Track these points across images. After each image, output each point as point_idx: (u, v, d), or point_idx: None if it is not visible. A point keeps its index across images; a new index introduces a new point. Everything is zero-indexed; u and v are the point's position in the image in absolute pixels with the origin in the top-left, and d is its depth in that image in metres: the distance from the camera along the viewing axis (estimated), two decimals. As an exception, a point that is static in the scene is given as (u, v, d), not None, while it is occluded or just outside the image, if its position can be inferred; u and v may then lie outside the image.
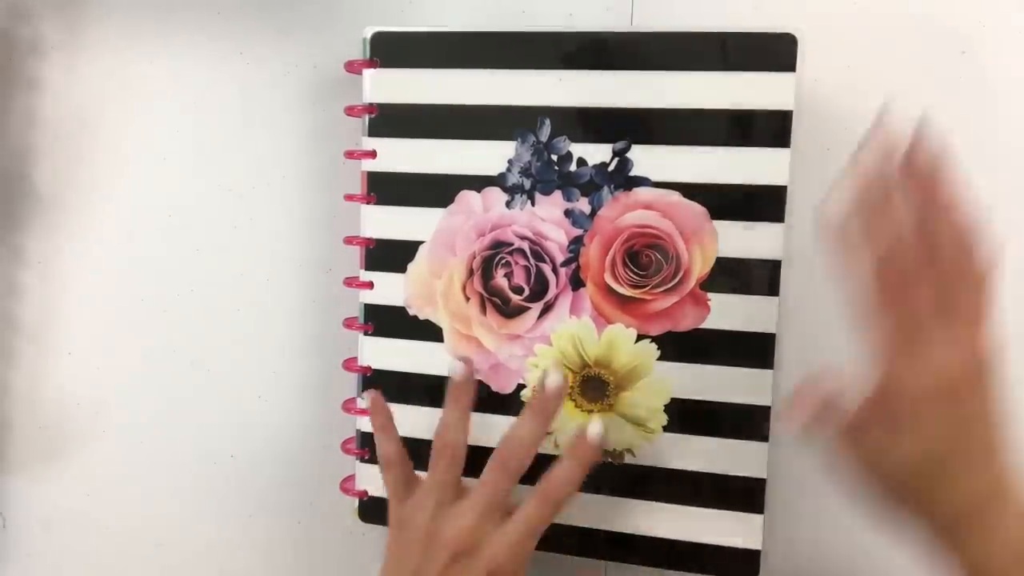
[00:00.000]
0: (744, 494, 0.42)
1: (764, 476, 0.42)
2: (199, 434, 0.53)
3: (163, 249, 0.52)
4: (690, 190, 0.42)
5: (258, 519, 0.53)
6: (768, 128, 0.41)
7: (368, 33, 0.45)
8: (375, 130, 0.45)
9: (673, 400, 0.43)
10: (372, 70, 0.45)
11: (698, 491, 0.43)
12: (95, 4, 0.51)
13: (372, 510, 0.48)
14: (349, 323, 0.47)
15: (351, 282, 0.47)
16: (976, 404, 0.30)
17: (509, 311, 0.45)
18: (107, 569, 0.54)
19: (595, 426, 0.39)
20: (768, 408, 0.42)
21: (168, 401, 0.53)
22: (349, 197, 0.46)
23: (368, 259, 0.46)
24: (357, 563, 0.52)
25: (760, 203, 0.41)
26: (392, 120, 0.45)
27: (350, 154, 0.46)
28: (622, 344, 0.43)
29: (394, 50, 0.45)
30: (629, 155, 0.42)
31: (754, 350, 0.42)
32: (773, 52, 0.41)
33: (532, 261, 0.44)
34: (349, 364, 0.47)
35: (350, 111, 0.46)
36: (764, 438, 0.42)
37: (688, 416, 0.43)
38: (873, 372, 0.31)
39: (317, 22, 0.50)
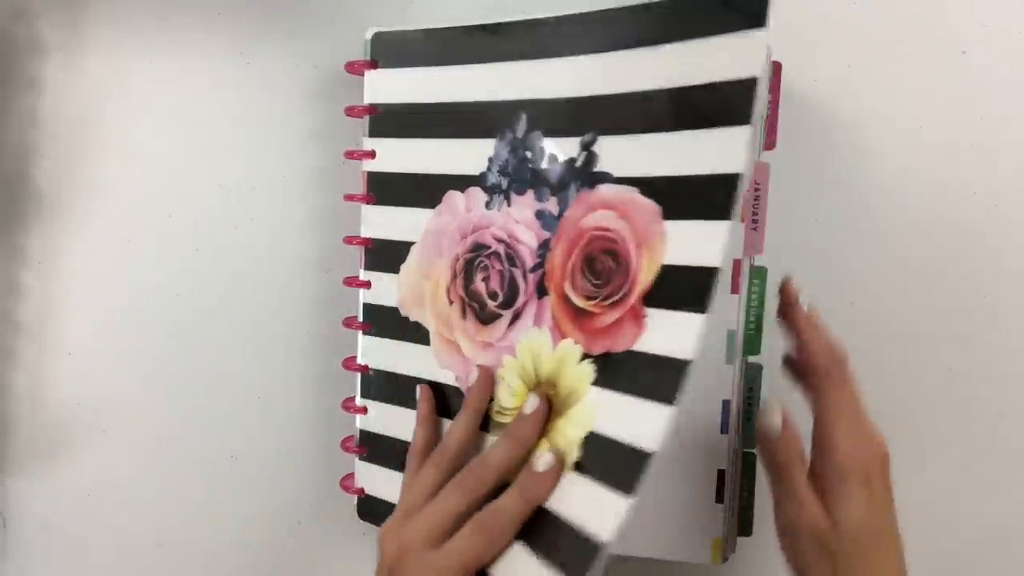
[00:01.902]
0: None
1: None
2: (199, 434, 0.53)
3: (163, 249, 0.52)
4: (646, 185, 0.36)
5: (258, 519, 0.53)
6: (730, 103, 0.33)
7: (369, 34, 0.45)
8: (376, 130, 0.45)
9: (590, 435, 0.36)
10: (373, 71, 0.45)
11: None
12: (95, 4, 0.51)
13: (370, 508, 0.48)
14: (349, 322, 0.47)
15: (351, 282, 0.47)
16: (881, 491, 0.36)
17: (485, 316, 0.42)
18: (107, 569, 0.54)
19: (545, 458, 0.36)
20: (652, 455, 0.33)
21: (168, 401, 0.53)
22: (349, 197, 0.46)
23: (368, 259, 0.46)
24: (357, 563, 0.52)
25: (708, 197, 0.33)
26: (393, 120, 0.45)
27: (350, 154, 0.46)
28: (569, 362, 0.38)
29: (395, 51, 0.45)
30: (595, 148, 0.38)
31: (661, 382, 0.33)
32: (739, 8, 0.33)
33: (506, 265, 0.41)
34: (348, 363, 0.47)
35: (350, 111, 0.46)
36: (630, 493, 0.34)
37: (595, 457, 0.35)
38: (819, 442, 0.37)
39: (318, 22, 0.50)
